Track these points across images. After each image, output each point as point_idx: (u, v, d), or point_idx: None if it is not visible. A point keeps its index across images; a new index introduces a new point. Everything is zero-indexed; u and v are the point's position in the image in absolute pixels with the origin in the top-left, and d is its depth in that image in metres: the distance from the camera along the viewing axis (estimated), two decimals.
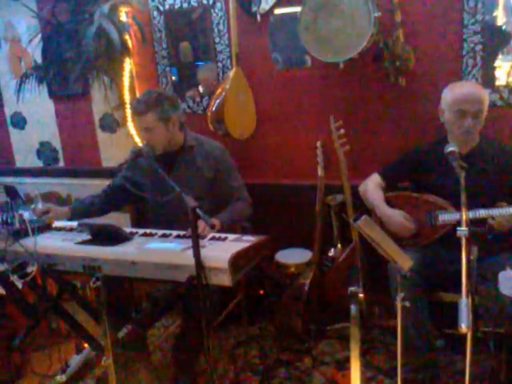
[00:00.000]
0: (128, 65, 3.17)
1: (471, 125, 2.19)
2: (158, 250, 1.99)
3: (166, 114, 2.37)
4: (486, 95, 2.25)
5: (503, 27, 2.59)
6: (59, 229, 2.35)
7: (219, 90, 2.86)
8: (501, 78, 2.61)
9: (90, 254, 2.00)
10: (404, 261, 1.60)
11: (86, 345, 2.60)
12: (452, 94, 2.26)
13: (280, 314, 2.80)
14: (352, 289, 1.84)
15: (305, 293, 2.66)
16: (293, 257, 2.87)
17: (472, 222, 1.62)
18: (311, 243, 2.75)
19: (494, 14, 2.57)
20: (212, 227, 2.01)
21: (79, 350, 2.66)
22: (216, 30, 3.02)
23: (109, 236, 2.08)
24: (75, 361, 2.61)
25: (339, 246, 2.89)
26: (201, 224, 2.03)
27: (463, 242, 1.53)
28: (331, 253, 2.89)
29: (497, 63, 2.62)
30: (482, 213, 2.08)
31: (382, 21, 2.53)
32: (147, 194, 2.44)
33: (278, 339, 2.78)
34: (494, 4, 2.53)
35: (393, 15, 2.53)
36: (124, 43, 2.99)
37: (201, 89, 3.20)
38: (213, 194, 2.50)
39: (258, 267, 2.17)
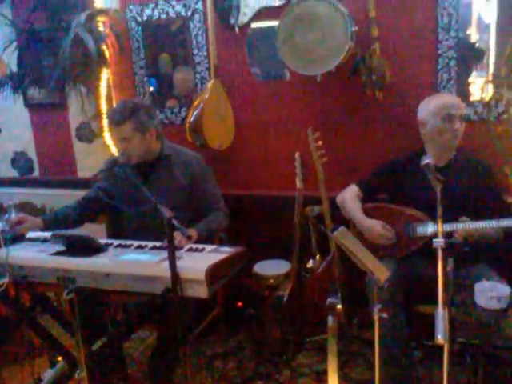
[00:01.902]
0: (105, 74, 3.15)
1: (459, 127, 2.24)
2: (132, 262, 1.95)
3: (142, 124, 2.36)
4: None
5: (476, 44, 2.65)
6: (33, 240, 2.29)
7: (197, 101, 2.85)
8: (475, 93, 2.67)
9: (64, 266, 1.96)
10: (381, 272, 1.60)
11: (59, 358, 2.54)
12: (436, 102, 2.30)
13: (258, 326, 2.78)
14: (330, 300, 1.84)
15: (283, 304, 2.65)
16: (271, 268, 2.85)
17: (450, 235, 1.64)
18: (290, 254, 2.74)
19: (468, 32, 2.63)
20: (188, 238, 1.99)
21: (53, 364, 2.59)
22: (194, 42, 3.01)
23: (83, 247, 2.04)
24: (48, 375, 2.54)
25: (318, 257, 2.88)
26: (177, 235, 2.01)
27: (439, 253, 1.55)
28: (310, 264, 2.88)
29: (471, 79, 2.68)
30: (459, 226, 2.10)
31: (359, 35, 2.57)
32: (122, 204, 2.40)
33: (256, 351, 2.76)
34: (468, 22, 2.60)
35: (369, 30, 2.56)
36: (101, 53, 2.97)
37: (176, 91, 3.20)
38: (190, 204, 2.48)
39: (236, 279, 2.16)
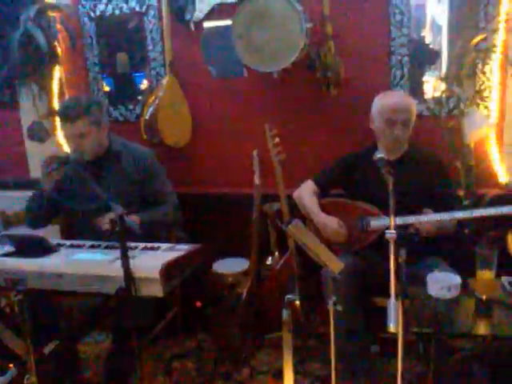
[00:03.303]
0: (57, 72, 3.06)
1: (400, 133, 2.27)
2: (85, 262, 1.90)
3: (97, 119, 2.32)
4: (413, 105, 2.34)
5: (430, 46, 2.72)
6: None
7: (152, 98, 2.81)
8: (428, 91, 2.74)
9: (13, 267, 1.90)
10: (335, 264, 1.60)
11: (11, 365, 2.45)
12: (382, 103, 2.33)
13: (217, 325, 2.76)
14: (288, 297, 1.83)
15: (242, 303, 2.64)
16: (230, 266, 2.84)
17: (401, 227, 1.66)
18: (249, 252, 2.73)
19: (422, 34, 2.70)
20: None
21: (3, 371, 2.49)
22: (149, 38, 2.97)
23: (33, 248, 1.98)
24: None
25: (276, 254, 2.88)
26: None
27: (391, 244, 1.56)
28: (269, 261, 2.88)
29: (425, 78, 2.75)
30: (411, 219, 2.14)
31: (314, 32, 2.59)
32: (73, 203, 2.33)
33: (215, 351, 2.73)
34: (422, 24, 2.67)
35: (324, 27, 2.58)
36: (52, 49, 2.89)
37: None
38: (141, 199, 2.44)
39: (194, 277, 2.13)
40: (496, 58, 2.49)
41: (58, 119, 3.02)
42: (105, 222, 2.12)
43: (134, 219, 2.06)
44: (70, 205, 2.30)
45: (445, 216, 2.12)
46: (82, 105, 2.29)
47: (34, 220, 2.45)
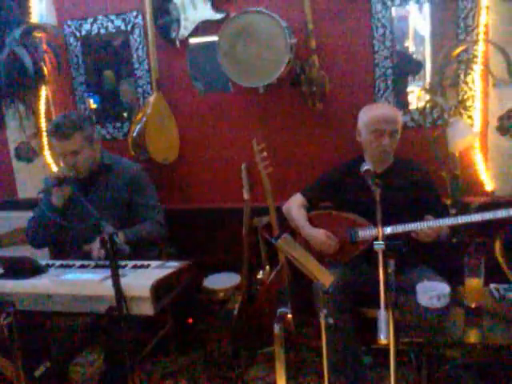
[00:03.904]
0: (44, 91, 3.07)
1: (388, 144, 2.29)
2: (74, 281, 1.90)
3: (90, 134, 2.34)
4: (400, 116, 2.37)
5: (414, 56, 2.76)
6: None
7: (140, 115, 2.82)
8: (412, 102, 2.78)
9: (1, 289, 1.89)
10: (325, 277, 1.61)
11: None
12: (369, 114, 2.35)
13: (209, 341, 2.74)
14: (281, 310, 1.84)
15: (234, 318, 2.62)
16: (221, 282, 2.83)
17: (391, 238, 1.67)
18: (240, 267, 2.73)
19: (406, 45, 2.75)
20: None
21: None
22: (135, 56, 2.99)
23: (22, 269, 1.97)
24: None
25: (267, 268, 2.88)
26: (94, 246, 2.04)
27: (380, 255, 1.57)
28: (260, 275, 2.88)
29: (409, 88, 2.79)
30: (398, 228, 2.16)
31: (298, 47, 2.62)
32: (66, 220, 2.32)
33: (208, 367, 2.71)
34: (405, 34, 2.73)
35: (308, 42, 2.62)
36: (39, 69, 2.89)
37: (124, 100, 3.20)
38: (130, 215, 2.44)
39: (186, 294, 2.13)
40: (477, 69, 2.54)
41: (49, 137, 2.99)
42: (94, 250, 2.11)
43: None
44: (62, 223, 2.28)
45: (433, 223, 2.14)
46: (74, 121, 2.30)
47: (39, 239, 2.44)
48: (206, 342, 2.79)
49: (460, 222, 2.09)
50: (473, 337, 1.81)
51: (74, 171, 2.26)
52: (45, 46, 2.96)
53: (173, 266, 2.01)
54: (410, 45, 2.81)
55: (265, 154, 2.60)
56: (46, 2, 3.03)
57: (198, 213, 3.08)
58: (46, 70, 2.98)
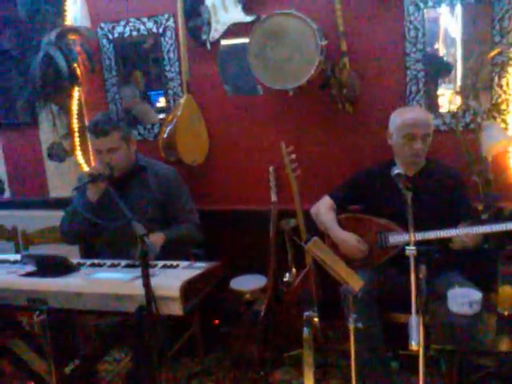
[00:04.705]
0: (76, 92, 3.13)
1: (420, 148, 2.26)
2: (105, 281, 1.92)
3: (127, 133, 2.40)
4: (431, 119, 2.35)
5: (444, 58, 2.72)
6: (3, 261, 2.24)
7: (170, 117, 2.85)
8: (444, 105, 2.73)
9: (35, 287, 1.92)
10: (355, 281, 1.60)
11: None
12: (401, 118, 2.32)
13: (235, 342, 2.75)
14: (307, 313, 1.84)
15: (260, 320, 2.62)
16: (247, 283, 2.83)
17: (423, 243, 1.65)
18: (266, 269, 2.73)
19: (436, 47, 2.70)
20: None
21: None
22: (166, 58, 3.02)
23: (54, 267, 2.00)
24: None
25: (294, 270, 2.87)
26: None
27: (412, 260, 1.56)
28: (286, 278, 2.87)
29: (440, 91, 2.75)
30: (430, 234, 2.13)
31: (329, 49, 2.61)
32: (99, 219, 2.35)
33: (233, 369, 2.72)
34: (435, 36, 2.67)
35: (339, 44, 2.61)
36: (72, 71, 2.95)
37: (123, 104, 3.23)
38: (164, 217, 2.47)
39: (212, 295, 2.14)
40: None
41: (88, 134, 3.03)
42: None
43: (158, 236, 2.08)
44: (94, 220, 2.31)
45: (467, 230, 2.10)
46: (112, 120, 2.38)
47: (71, 235, 2.49)
48: (231, 343, 2.80)
49: (494, 230, 2.05)
50: (505, 345, 1.76)
51: (109, 169, 2.29)
52: (78, 48, 3.01)
53: (201, 266, 2.01)
54: (441, 47, 2.76)
55: (293, 156, 2.60)
56: (81, 5, 3.08)
57: (225, 214, 3.09)
58: (79, 72, 3.05)
